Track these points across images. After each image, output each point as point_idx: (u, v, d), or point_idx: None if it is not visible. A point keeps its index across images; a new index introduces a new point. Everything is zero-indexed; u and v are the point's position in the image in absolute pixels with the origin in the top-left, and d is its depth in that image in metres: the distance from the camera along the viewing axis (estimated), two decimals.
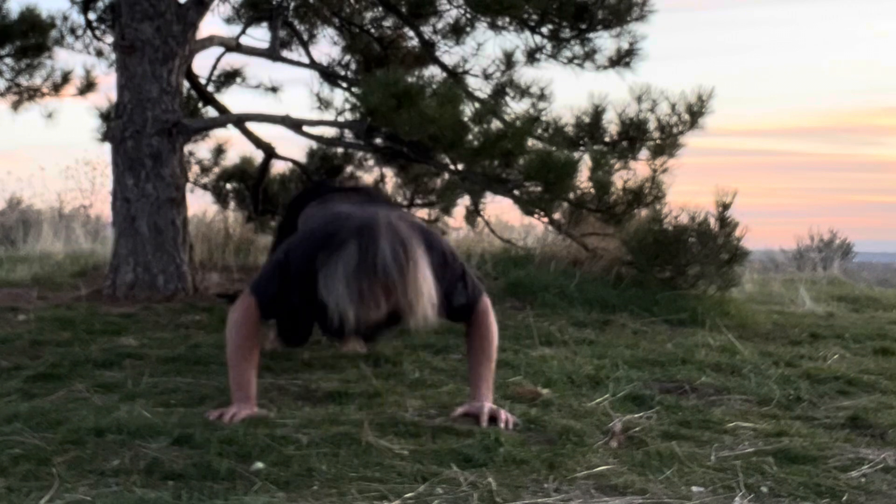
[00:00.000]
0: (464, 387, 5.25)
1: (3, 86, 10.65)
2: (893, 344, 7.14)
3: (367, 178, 11.06)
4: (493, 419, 4.59)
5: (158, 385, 5.25)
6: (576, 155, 8.22)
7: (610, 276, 8.56)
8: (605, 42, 9.16)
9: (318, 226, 4.77)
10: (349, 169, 10.97)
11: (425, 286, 4.23)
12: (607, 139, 8.75)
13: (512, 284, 8.38)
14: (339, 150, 10.63)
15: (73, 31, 10.70)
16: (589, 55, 9.21)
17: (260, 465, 3.91)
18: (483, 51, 9.65)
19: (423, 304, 4.23)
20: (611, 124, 8.73)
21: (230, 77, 10.89)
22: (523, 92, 9.50)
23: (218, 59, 10.20)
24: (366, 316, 4.23)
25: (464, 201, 11.07)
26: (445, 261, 4.64)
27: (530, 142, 8.27)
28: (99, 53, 10.84)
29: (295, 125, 8.54)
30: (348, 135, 9.38)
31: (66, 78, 10.84)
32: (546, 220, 8.81)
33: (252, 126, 9.43)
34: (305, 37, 10.41)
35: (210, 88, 10.22)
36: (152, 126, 8.11)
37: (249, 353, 4.74)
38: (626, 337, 7.05)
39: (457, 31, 9.66)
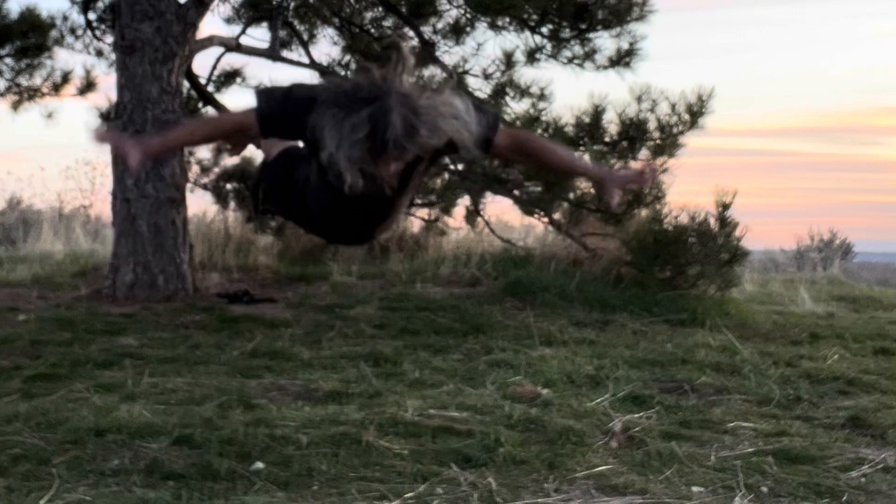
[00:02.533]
0: (464, 387, 5.26)
1: (3, 86, 10.66)
2: (893, 344, 7.14)
3: None
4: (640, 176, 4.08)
5: (158, 385, 5.25)
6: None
7: (610, 276, 8.56)
8: (605, 42, 9.16)
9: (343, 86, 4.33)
10: None
11: (456, 112, 3.86)
12: (607, 139, 8.75)
13: (512, 284, 8.38)
14: None
15: (73, 31, 10.70)
16: (589, 55, 9.20)
17: (260, 465, 3.92)
18: (483, 51, 9.64)
19: (461, 130, 3.86)
20: (611, 124, 8.73)
21: (230, 77, 10.89)
22: (523, 92, 9.49)
23: (218, 59, 10.21)
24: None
25: (464, 201, 11.07)
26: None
27: None
28: (99, 53, 10.85)
29: None
30: None
31: (66, 78, 10.84)
32: (546, 220, 8.82)
33: None
34: (305, 37, 10.41)
35: (210, 88, 10.21)
36: (153, 126, 8.11)
37: (198, 127, 4.42)
38: (626, 337, 7.05)
39: (457, 31, 9.65)
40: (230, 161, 11.31)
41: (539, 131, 8.73)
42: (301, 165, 4.18)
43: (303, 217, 4.33)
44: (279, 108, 3.97)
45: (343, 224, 4.12)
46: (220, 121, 4.51)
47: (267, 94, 4.04)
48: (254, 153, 10.43)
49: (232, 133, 4.29)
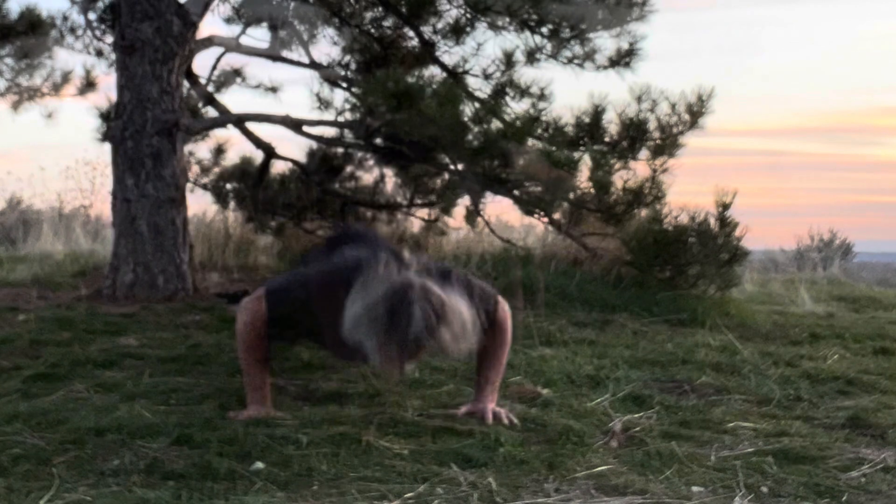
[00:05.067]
0: (464, 387, 5.26)
1: (3, 86, 10.68)
2: (893, 344, 7.14)
3: (367, 177, 11.06)
4: (496, 419, 4.64)
5: (158, 385, 5.25)
6: (576, 155, 8.22)
7: (610, 276, 8.55)
8: (605, 42, 9.17)
9: (351, 262, 4.53)
10: (349, 169, 10.96)
11: (462, 329, 4.13)
12: (607, 139, 8.74)
13: (512, 284, 8.36)
14: (339, 150, 10.63)
15: (73, 30, 10.71)
16: (589, 55, 9.21)
17: (260, 465, 3.92)
18: (483, 51, 9.62)
19: (459, 346, 4.17)
20: (611, 124, 8.72)
21: (230, 77, 10.89)
22: (523, 92, 9.48)
23: (218, 59, 10.21)
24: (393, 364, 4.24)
25: (464, 201, 11.06)
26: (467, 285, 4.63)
27: (530, 142, 8.27)
28: (99, 53, 10.86)
29: (295, 125, 8.56)
30: (348, 135, 9.40)
31: (66, 78, 10.86)
32: (546, 220, 8.82)
33: (252, 126, 9.43)
34: (305, 37, 10.40)
35: (210, 88, 10.21)
36: (152, 126, 8.11)
37: (261, 354, 4.73)
38: (626, 337, 7.04)
39: (457, 31, 9.63)
40: (230, 161, 11.32)
41: (539, 131, 8.73)
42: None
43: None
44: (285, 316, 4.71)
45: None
46: (258, 332, 4.77)
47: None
48: (253, 153, 10.45)
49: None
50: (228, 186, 11.30)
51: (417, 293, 4.02)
